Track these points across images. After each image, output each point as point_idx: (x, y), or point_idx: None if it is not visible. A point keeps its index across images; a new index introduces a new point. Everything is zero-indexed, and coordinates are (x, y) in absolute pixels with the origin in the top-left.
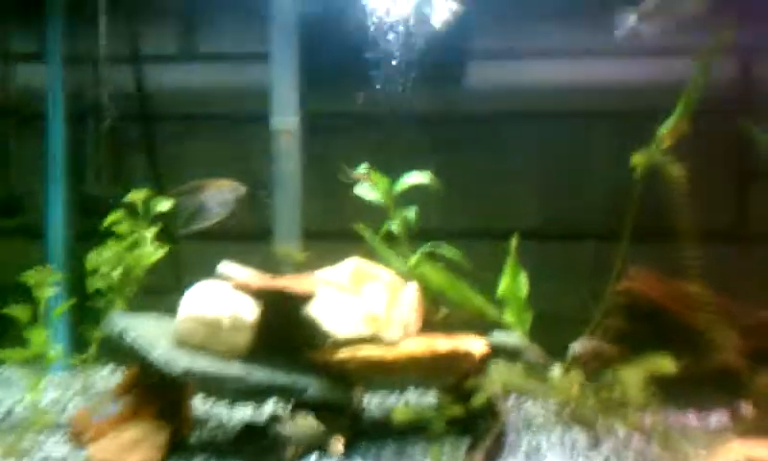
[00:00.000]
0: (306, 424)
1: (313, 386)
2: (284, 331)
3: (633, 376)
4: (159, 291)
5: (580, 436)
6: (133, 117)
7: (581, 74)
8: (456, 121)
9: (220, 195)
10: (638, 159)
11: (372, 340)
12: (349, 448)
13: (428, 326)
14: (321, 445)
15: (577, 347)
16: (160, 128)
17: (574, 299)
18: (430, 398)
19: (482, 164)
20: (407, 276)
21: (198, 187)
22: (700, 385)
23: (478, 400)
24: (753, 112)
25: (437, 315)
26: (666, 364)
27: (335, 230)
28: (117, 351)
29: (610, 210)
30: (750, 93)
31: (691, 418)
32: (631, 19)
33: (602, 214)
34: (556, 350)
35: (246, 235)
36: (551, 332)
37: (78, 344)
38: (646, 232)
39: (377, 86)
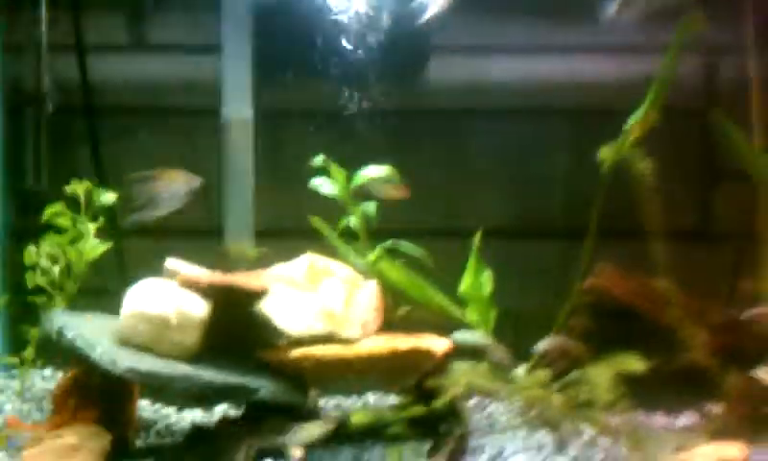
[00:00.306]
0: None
1: (266, 387)
2: (236, 330)
3: (600, 376)
4: (103, 292)
5: (546, 438)
6: (76, 109)
7: (545, 70)
8: (417, 116)
9: (173, 186)
10: (606, 153)
11: (329, 338)
12: (306, 455)
13: (388, 325)
14: (274, 449)
15: (542, 345)
16: (105, 121)
17: (539, 298)
18: (390, 400)
19: (444, 161)
20: (366, 273)
21: (151, 177)
22: (668, 384)
23: (440, 401)
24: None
25: (397, 314)
26: (634, 362)
27: (290, 228)
28: (56, 351)
29: (575, 208)
30: (716, 90)
31: (660, 419)
32: (609, 11)
33: (568, 212)
34: (521, 350)
35: (196, 232)
36: (516, 332)
37: (16, 345)
38: (613, 231)
39: (333, 80)
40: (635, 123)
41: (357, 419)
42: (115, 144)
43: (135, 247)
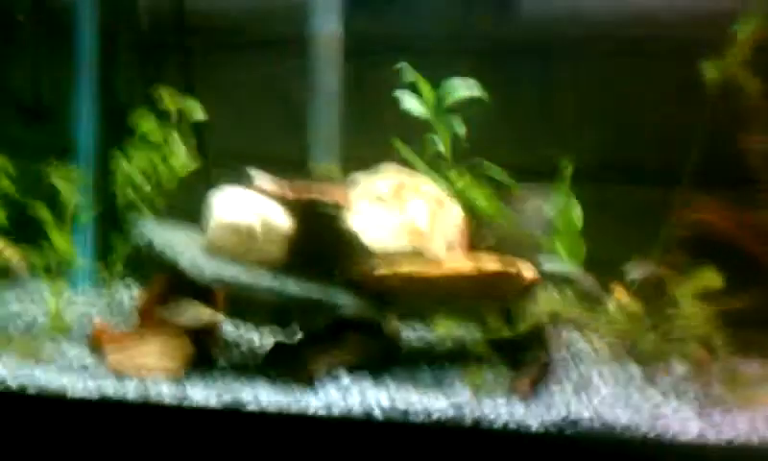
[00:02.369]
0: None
1: (349, 303)
2: (320, 245)
3: (695, 307)
4: (190, 213)
5: (636, 370)
6: (170, 35)
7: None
8: (513, 51)
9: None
10: (711, 71)
11: (414, 255)
12: (384, 373)
13: (474, 250)
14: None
15: (635, 270)
16: (195, 44)
17: (633, 243)
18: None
19: (535, 98)
20: (452, 197)
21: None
22: None
23: (525, 325)
24: None
25: (484, 241)
26: (713, 279)
27: (376, 157)
28: (146, 262)
29: (674, 152)
30: None
31: (756, 367)
32: None
33: (666, 155)
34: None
35: (283, 161)
36: (606, 276)
37: (106, 259)
38: (715, 177)
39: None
40: (744, 37)
41: (441, 328)
42: (206, 67)
43: (220, 172)
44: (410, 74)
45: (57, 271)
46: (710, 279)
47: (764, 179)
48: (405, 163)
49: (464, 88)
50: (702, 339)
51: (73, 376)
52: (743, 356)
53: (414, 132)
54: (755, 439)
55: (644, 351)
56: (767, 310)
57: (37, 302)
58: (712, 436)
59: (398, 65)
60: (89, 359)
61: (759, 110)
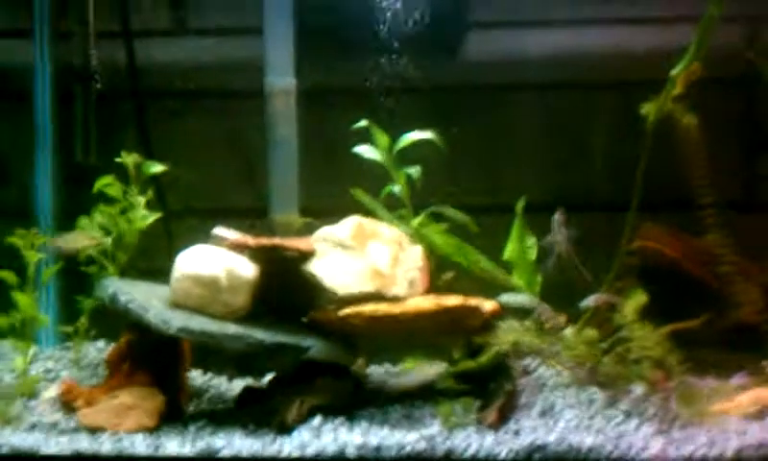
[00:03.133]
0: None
1: (316, 346)
2: (285, 292)
3: (649, 332)
4: (153, 272)
5: (596, 394)
6: (124, 92)
7: (586, 43)
8: (458, 91)
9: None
10: (649, 108)
11: (377, 297)
12: (354, 412)
13: (433, 289)
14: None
15: (590, 300)
16: (151, 102)
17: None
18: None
19: (486, 136)
20: (411, 239)
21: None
22: (719, 346)
23: (486, 356)
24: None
25: (442, 279)
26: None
27: (334, 206)
28: (109, 317)
29: (619, 181)
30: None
31: (711, 382)
32: None
33: (611, 185)
34: (569, 317)
35: (243, 211)
36: (561, 302)
37: (70, 317)
38: (658, 201)
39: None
40: (677, 75)
41: (408, 365)
42: (162, 124)
43: (180, 227)
44: (366, 125)
45: (21, 331)
46: (640, 299)
47: (707, 204)
48: (366, 212)
49: (418, 136)
50: (657, 360)
51: (43, 433)
52: (697, 375)
53: (372, 179)
54: (712, 452)
55: (604, 375)
56: (716, 331)
57: (4, 362)
58: (673, 452)
59: (358, 125)
60: (59, 416)
61: (696, 142)
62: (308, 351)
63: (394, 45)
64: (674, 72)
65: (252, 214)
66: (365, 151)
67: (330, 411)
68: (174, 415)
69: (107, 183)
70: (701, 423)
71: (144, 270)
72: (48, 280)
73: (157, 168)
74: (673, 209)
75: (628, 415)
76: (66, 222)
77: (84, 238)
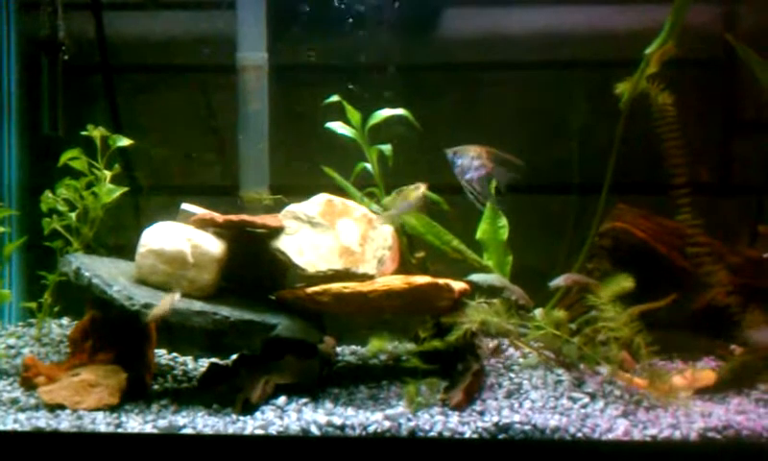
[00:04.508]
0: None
1: (283, 324)
2: (252, 268)
3: (618, 313)
4: (120, 248)
5: (563, 376)
6: (92, 65)
7: (560, 22)
8: (431, 70)
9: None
10: (623, 86)
11: (346, 275)
12: (321, 392)
13: (404, 268)
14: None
15: (560, 280)
16: (120, 75)
17: (556, 251)
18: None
19: (459, 115)
20: (382, 218)
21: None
22: (687, 328)
23: (455, 335)
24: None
25: (413, 258)
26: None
27: (305, 184)
28: (74, 293)
29: (593, 162)
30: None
31: (679, 365)
32: None
33: (585, 166)
34: (538, 300)
35: (212, 188)
36: (533, 284)
37: (34, 292)
38: (631, 183)
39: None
40: (651, 53)
41: (375, 345)
42: (130, 99)
43: (149, 203)
44: (338, 100)
45: None
46: (625, 284)
47: (680, 184)
48: (337, 190)
49: (389, 113)
50: (624, 342)
51: (1, 410)
52: (664, 357)
53: (343, 156)
54: (677, 434)
55: (571, 356)
56: (684, 312)
57: None
58: (637, 434)
59: (329, 99)
60: (19, 393)
61: (671, 121)
62: (275, 329)
63: (367, 22)
64: (648, 50)
65: (223, 191)
66: (337, 127)
67: (296, 390)
68: (138, 393)
69: (72, 157)
70: (665, 405)
71: (113, 247)
72: (10, 255)
73: (124, 142)
74: (649, 191)
75: (593, 397)
76: (32, 196)
77: None
